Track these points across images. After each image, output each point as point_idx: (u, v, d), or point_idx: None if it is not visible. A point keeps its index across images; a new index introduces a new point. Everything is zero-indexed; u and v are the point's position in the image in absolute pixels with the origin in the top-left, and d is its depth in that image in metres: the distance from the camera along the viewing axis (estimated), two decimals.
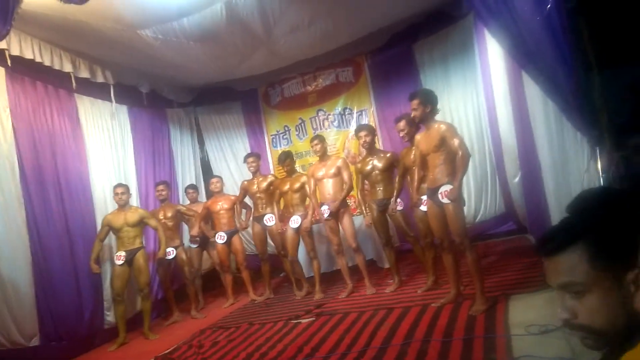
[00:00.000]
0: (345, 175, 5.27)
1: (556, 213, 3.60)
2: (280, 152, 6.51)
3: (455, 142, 3.69)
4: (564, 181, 3.39)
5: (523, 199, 5.19)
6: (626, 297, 0.90)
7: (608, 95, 3.92)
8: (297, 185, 5.63)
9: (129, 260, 5.27)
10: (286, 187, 5.70)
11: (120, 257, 5.23)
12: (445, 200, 3.75)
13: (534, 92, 3.60)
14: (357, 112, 7.34)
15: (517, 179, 5.21)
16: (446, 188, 3.76)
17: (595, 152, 3.14)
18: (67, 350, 4.92)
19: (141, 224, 5.44)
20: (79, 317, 5.15)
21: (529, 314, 3.26)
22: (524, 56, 3.44)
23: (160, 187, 6.11)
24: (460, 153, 3.66)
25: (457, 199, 3.71)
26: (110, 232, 5.38)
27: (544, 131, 3.60)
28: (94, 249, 5.20)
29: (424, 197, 4.44)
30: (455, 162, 3.75)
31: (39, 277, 4.76)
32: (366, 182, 5.24)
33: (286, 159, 5.71)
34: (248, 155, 6.22)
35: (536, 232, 5.09)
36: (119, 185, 5.42)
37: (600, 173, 3.09)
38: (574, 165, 3.28)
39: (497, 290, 3.98)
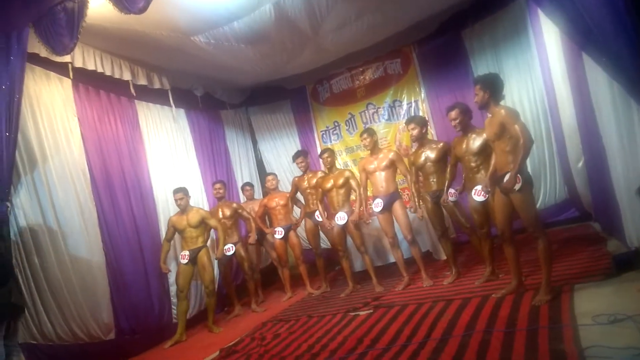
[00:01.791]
0: (401, 168, 5.25)
1: (624, 198, 3.44)
2: (325, 148, 6.53)
3: (517, 128, 3.56)
4: (632, 164, 3.24)
5: (587, 184, 4.98)
6: None
7: None
8: (340, 180, 5.63)
9: (193, 259, 5.49)
10: (329, 184, 5.68)
11: (184, 257, 5.48)
12: (515, 187, 3.62)
13: (595, 73, 3.45)
14: (407, 104, 7.28)
15: (580, 164, 5.00)
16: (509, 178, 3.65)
17: None
18: (140, 343, 5.22)
19: (202, 224, 5.64)
20: (150, 312, 5.45)
21: (596, 304, 3.14)
22: (582, 36, 3.31)
23: (218, 185, 6.31)
24: (522, 140, 3.53)
25: (517, 186, 3.57)
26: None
27: (609, 114, 3.43)
28: (163, 249, 5.50)
29: (479, 187, 4.37)
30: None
31: (113, 276, 5.07)
32: (420, 173, 5.19)
33: (325, 152, 5.82)
34: (296, 156, 6.31)
35: (602, 218, 4.87)
36: (177, 190, 5.59)
37: None
38: None
39: (561, 280, 3.84)
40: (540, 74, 5.99)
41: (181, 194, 5.57)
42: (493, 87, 3.73)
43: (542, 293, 3.56)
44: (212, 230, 5.92)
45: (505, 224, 3.81)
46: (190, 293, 5.75)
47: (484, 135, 4.14)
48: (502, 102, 3.83)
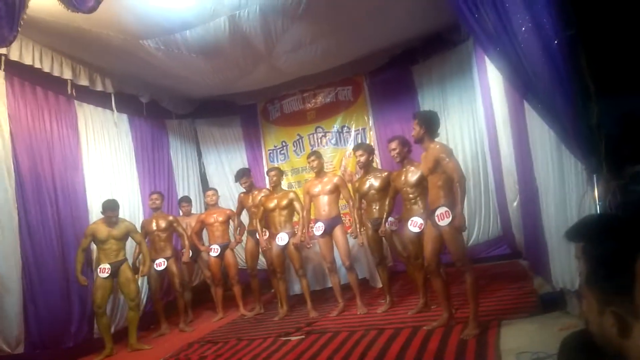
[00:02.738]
0: (345, 193, 5.27)
1: (554, 239, 3.59)
2: (273, 167, 6.46)
3: (449, 165, 3.69)
4: (561, 207, 3.39)
5: (520, 223, 5.19)
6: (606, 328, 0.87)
7: (606, 124, 3.95)
8: (284, 202, 5.56)
9: (114, 272, 5.18)
10: (272, 203, 5.59)
11: (104, 270, 5.10)
12: (441, 223, 3.74)
13: (534, 119, 3.62)
14: (355, 131, 7.38)
15: (515, 204, 5.22)
16: (442, 210, 3.75)
17: (592, 180, 3.15)
18: (52, 358, 4.83)
19: (127, 237, 5.37)
20: (66, 327, 5.07)
21: (520, 341, 3.23)
22: (523, 84, 3.46)
23: (154, 196, 6.06)
24: (455, 177, 3.66)
25: (447, 221, 3.68)
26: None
27: (543, 157, 3.62)
28: (78, 259, 5.06)
29: (415, 218, 4.45)
30: (452, 185, 3.74)
31: (29, 284, 4.70)
32: (363, 200, 5.23)
33: (272, 170, 5.73)
34: (239, 175, 6.09)
35: (530, 257, 5.07)
36: (110, 208, 5.17)
37: (597, 200, 3.09)
38: (572, 192, 3.28)
39: (489, 315, 3.95)
40: (483, 114, 6.26)
41: (113, 212, 5.18)
42: (428, 123, 3.87)
43: (470, 327, 3.64)
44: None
45: (432, 256, 3.90)
46: (116, 306, 5.43)
47: (421, 170, 4.24)
48: (442, 139, 3.95)
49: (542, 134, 3.55)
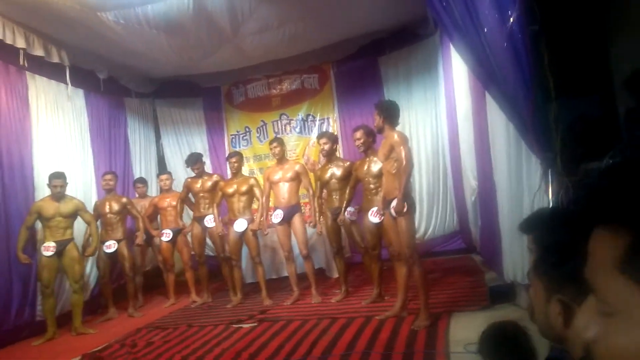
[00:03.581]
0: (305, 181, 5.21)
1: (507, 234, 3.63)
2: (234, 152, 6.29)
3: (400, 151, 3.69)
4: (517, 202, 3.44)
5: (476, 218, 5.25)
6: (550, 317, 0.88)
7: (563, 122, 4.02)
8: (244, 187, 5.44)
9: (60, 252, 4.97)
10: (232, 189, 5.47)
11: (49, 248, 4.89)
12: (394, 214, 3.73)
13: (495, 114, 3.64)
14: (319, 120, 7.32)
15: (473, 198, 5.27)
16: (395, 202, 3.74)
17: (547, 175, 3.19)
18: None
19: (75, 216, 5.15)
20: (6, 308, 4.82)
21: (469, 332, 3.24)
22: (487, 77, 3.48)
23: (108, 176, 5.81)
24: (403, 163, 3.66)
25: (402, 212, 3.68)
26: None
27: (502, 154, 3.65)
28: (20, 237, 4.82)
29: (375, 209, 4.43)
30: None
31: None
32: (324, 189, 5.18)
33: (234, 156, 5.58)
34: (193, 162, 5.83)
35: (484, 251, 5.14)
36: (57, 176, 4.99)
37: (551, 196, 3.14)
38: (528, 187, 3.32)
39: (441, 307, 3.99)
40: (445, 110, 6.30)
41: (61, 180, 4.99)
42: (387, 112, 3.88)
43: (420, 318, 3.66)
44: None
45: (399, 244, 3.87)
46: (61, 288, 5.22)
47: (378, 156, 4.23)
48: (404, 132, 3.96)
49: (501, 129, 3.59)
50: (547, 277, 0.90)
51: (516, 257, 3.44)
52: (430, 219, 6.50)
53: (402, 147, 3.69)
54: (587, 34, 4.69)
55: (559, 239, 0.89)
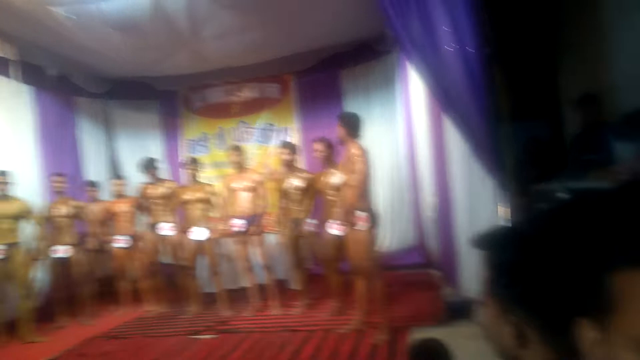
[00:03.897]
0: (261, 191, 5.20)
1: (464, 249, 3.78)
2: (191, 157, 6.16)
3: (356, 162, 3.77)
4: (473, 219, 3.59)
5: (434, 233, 5.41)
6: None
7: (515, 143, 4.25)
8: (201, 195, 5.39)
9: (7, 256, 4.73)
10: (189, 196, 5.41)
11: None
12: (360, 227, 3.81)
13: (452, 131, 3.79)
14: (279, 129, 7.32)
15: (431, 213, 5.42)
16: (360, 215, 3.81)
17: (501, 194, 3.37)
18: None
19: (20, 217, 4.94)
20: None
21: None
22: (443, 96, 3.64)
23: (58, 178, 5.57)
24: (357, 175, 3.74)
25: (352, 222, 3.75)
26: None
27: (458, 169, 3.79)
28: None
29: (334, 221, 4.50)
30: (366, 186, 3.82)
31: None
32: (284, 200, 5.19)
33: (191, 163, 5.50)
34: (147, 167, 5.73)
35: (443, 267, 5.28)
36: (0, 174, 4.83)
37: (504, 214, 3.32)
38: (483, 204, 3.48)
39: (400, 321, 4.07)
40: (403, 126, 6.47)
41: (4, 177, 4.79)
42: (350, 124, 3.98)
43: (381, 332, 3.74)
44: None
45: (359, 258, 3.94)
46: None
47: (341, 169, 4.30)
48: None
49: (458, 147, 3.73)
50: (498, 297, 0.90)
51: (473, 273, 3.59)
52: (387, 232, 6.63)
53: (358, 159, 3.77)
54: (537, 59, 4.98)
55: (511, 259, 0.90)
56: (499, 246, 1.00)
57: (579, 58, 4.59)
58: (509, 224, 3.29)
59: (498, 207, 3.52)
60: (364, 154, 3.87)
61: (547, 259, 0.80)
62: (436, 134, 4.52)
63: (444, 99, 3.63)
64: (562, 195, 3.33)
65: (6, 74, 5.67)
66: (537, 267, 0.82)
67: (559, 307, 0.74)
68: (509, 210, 3.50)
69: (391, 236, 6.67)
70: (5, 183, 4.82)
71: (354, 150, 3.84)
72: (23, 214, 4.96)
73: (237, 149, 5.40)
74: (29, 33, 5.48)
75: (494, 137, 3.52)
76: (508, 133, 4.28)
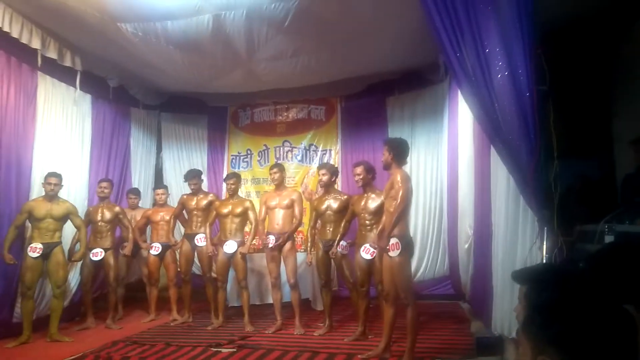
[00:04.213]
0: (297, 210, 5.19)
1: (499, 284, 3.61)
2: (233, 173, 6.23)
3: (399, 188, 3.70)
4: (511, 255, 3.44)
5: (468, 266, 5.23)
6: None
7: (562, 181, 4.07)
8: (239, 209, 5.42)
9: (46, 254, 4.91)
10: (227, 209, 5.45)
11: (35, 249, 4.85)
12: (391, 254, 3.72)
13: (498, 164, 3.68)
14: (322, 151, 7.38)
15: (466, 246, 5.26)
16: (393, 241, 3.73)
17: (543, 232, 3.20)
18: None
19: (65, 219, 5.13)
20: None
21: None
22: (492, 129, 3.53)
23: (104, 184, 5.79)
24: (398, 201, 3.66)
25: (396, 252, 3.66)
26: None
27: (501, 205, 3.66)
28: (8, 236, 4.79)
29: (367, 245, 4.43)
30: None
31: None
32: (319, 220, 5.17)
33: (232, 177, 5.56)
34: (190, 176, 5.83)
35: (474, 300, 5.08)
36: (53, 175, 5.05)
37: (544, 253, 3.15)
38: (523, 241, 3.34)
39: (424, 352, 3.92)
40: (447, 156, 6.37)
41: (57, 179, 5.02)
42: (397, 150, 3.90)
43: None
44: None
45: (391, 285, 3.84)
46: (42, 292, 5.16)
47: (382, 197, 4.23)
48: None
49: (503, 180, 3.61)
50: (533, 337, 0.90)
51: (506, 310, 3.41)
52: (421, 261, 6.48)
53: (400, 186, 3.71)
54: (592, 99, 4.82)
55: (547, 300, 0.91)
56: (538, 283, 0.98)
57: (633, 99, 4.41)
58: (551, 263, 3.13)
59: (538, 245, 3.36)
60: (408, 181, 3.80)
61: (588, 302, 0.79)
62: (481, 166, 4.40)
63: (493, 132, 3.54)
64: (609, 237, 3.15)
65: (70, 83, 6.01)
66: (577, 310, 0.80)
67: (595, 353, 0.72)
68: (550, 248, 3.33)
69: (424, 265, 6.54)
70: (57, 185, 5.04)
71: (397, 177, 3.78)
72: (68, 216, 5.15)
73: (278, 166, 5.45)
74: (96, 46, 5.83)
75: (541, 174, 3.38)
76: (556, 170, 4.12)
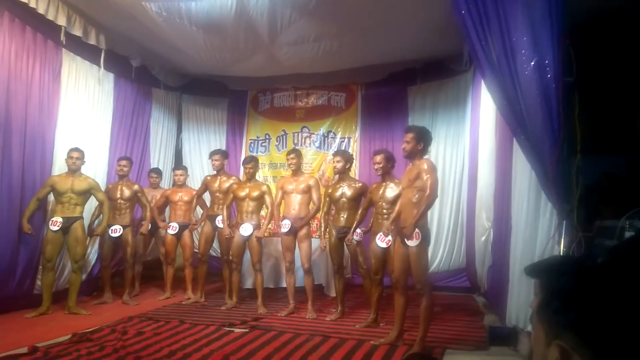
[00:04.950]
0: (315, 196, 5.20)
1: (516, 277, 3.58)
2: (251, 156, 6.26)
3: (427, 179, 3.67)
4: (529, 248, 3.41)
5: (484, 259, 5.18)
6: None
7: (585, 176, 4.00)
8: (255, 193, 5.44)
9: (66, 228, 5.02)
10: (244, 192, 5.47)
11: (56, 223, 4.97)
12: (410, 243, 3.70)
13: (520, 157, 3.63)
14: (340, 138, 7.35)
15: (483, 238, 5.21)
16: (414, 231, 3.70)
17: (562, 226, 3.16)
18: None
19: (87, 193, 5.23)
20: (10, 276, 4.85)
21: None
22: (515, 120, 3.48)
23: (123, 162, 5.86)
24: (427, 191, 3.64)
25: (415, 242, 3.65)
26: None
27: (522, 198, 3.61)
28: (29, 207, 4.93)
29: (382, 233, 4.42)
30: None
31: None
32: (333, 207, 5.17)
33: (250, 161, 5.56)
34: (214, 152, 5.97)
35: (490, 294, 5.04)
36: (75, 149, 5.17)
37: (562, 247, 3.11)
38: (541, 234, 3.30)
39: (435, 342, 3.93)
40: (467, 147, 6.29)
41: (79, 154, 5.13)
42: (425, 139, 3.86)
43: (415, 349, 3.60)
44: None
45: (401, 273, 3.85)
46: (61, 265, 5.28)
47: (401, 187, 4.20)
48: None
49: (524, 174, 3.57)
50: (548, 322, 0.87)
51: (522, 302, 3.39)
52: (436, 253, 6.45)
53: (429, 176, 3.68)
54: (620, 94, 4.69)
55: (565, 286, 0.88)
56: (556, 272, 0.96)
57: None
58: (568, 255, 3.09)
59: (557, 238, 3.31)
60: (435, 171, 3.78)
61: (607, 289, 0.76)
62: (503, 158, 4.35)
63: (516, 124, 3.48)
64: (629, 233, 3.09)
65: (94, 61, 6.08)
66: (596, 295, 0.77)
67: (613, 340, 0.71)
68: (568, 243, 3.28)
69: (439, 257, 6.50)
70: (79, 159, 5.14)
71: (425, 166, 3.74)
72: (90, 191, 5.26)
73: (295, 152, 5.45)
74: (120, 25, 5.87)
75: (564, 168, 3.32)
76: (579, 165, 4.05)
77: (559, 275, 0.98)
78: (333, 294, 5.64)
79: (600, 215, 3.61)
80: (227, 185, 5.80)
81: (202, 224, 6.01)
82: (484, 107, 5.20)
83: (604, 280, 0.83)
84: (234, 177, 6.02)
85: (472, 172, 5.94)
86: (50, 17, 5.17)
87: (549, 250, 3.18)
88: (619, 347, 0.72)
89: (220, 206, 5.75)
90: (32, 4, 4.90)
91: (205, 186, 5.98)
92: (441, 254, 6.50)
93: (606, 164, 4.63)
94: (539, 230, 3.37)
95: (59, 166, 5.40)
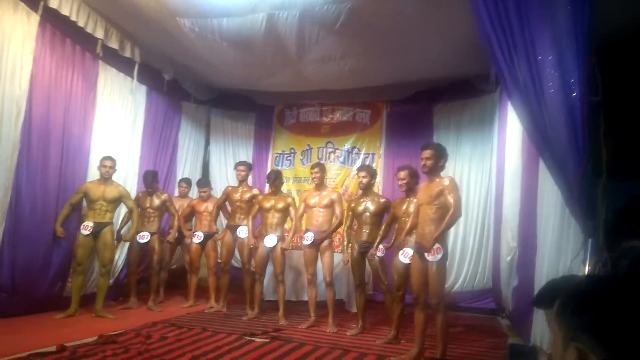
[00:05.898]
0: (337, 210, 5.25)
1: None
2: (275, 170, 6.33)
3: (451, 197, 3.70)
4: (554, 267, 3.38)
5: (509, 279, 5.11)
6: None
7: (609, 197, 3.96)
8: (281, 205, 5.52)
9: (96, 233, 5.20)
10: (269, 204, 5.55)
11: (87, 227, 5.17)
12: (430, 259, 3.72)
13: (545, 177, 3.63)
14: (364, 154, 7.41)
15: (509, 259, 5.15)
16: (435, 246, 3.73)
17: (587, 245, 3.14)
18: (16, 305, 4.74)
19: (117, 201, 5.41)
20: (43, 278, 5.03)
21: None
22: (541, 140, 3.49)
23: (108, 162, 5.90)
24: (452, 210, 3.66)
25: (437, 257, 3.67)
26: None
27: (548, 217, 3.60)
28: (63, 211, 5.15)
29: (408, 250, 4.42)
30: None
31: (12, 224, 4.64)
32: (355, 221, 5.21)
33: (275, 179, 5.60)
34: (240, 163, 6.08)
35: (515, 315, 4.96)
36: (108, 158, 5.38)
37: (587, 266, 3.08)
38: (566, 254, 3.28)
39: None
40: (494, 168, 6.27)
41: (111, 162, 5.35)
42: (445, 156, 3.94)
43: None
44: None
45: (421, 289, 3.86)
46: (91, 269, 5.47)
47: (416, 202, 4.22)
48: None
49: (550, 194, 3.56)
50: (566, 324, 0.89)
51: (546, 326, 3.35)
52: (459, 273, 6.38)
53: (453, 194, 3.72)
54: None
55: (583, 287, 0.91)
56: (575, 282, 0.99)
57: None
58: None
59: (582, 257, 3.28)
60: (458, 189, 3.82)
61: (627, 292, 0.79)
62: (528, 178, 4.34)
63: (542, 143, 3.49)
64: None
65: (128, 73, 6.31)
66: (615, 298, 0.80)
67: (629, 341, 0.73)
68: (593, 263, 3.25)
69: (463, 277, 6.43)
70: (112, 167, 5.34)
71: (446, 184, 3.77)
72: (120, 199, 5.44)
73: (319, 166, 5.52)
74: (154, 39, 6.09)
75: (589, 188, 3.31)
76: (604, 185, 4.01)
77: (579, 282, 1.01)
78: (354, 309, 5.64)
79: (627, 237, 3.56)
80: (248, 195, 5.89)
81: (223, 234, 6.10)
82: (511, 126, 5.20)
83: (620, 283, 0.85)
84: (255, 189, 6.11)
85: (499, 191, 5.90)
86: (89, 30, 5.41)
87: (575, 270, 3.15)
88: (635, 348, 0.74)
89: (242, 217, 5.84)
90: (73, 17, 5.14)
91: (226, 196, 6.07)
92: (464, 274, 6.43)
93: (633, 188, 4.56)
94: (564, 250, 3.35)
95: (93, 173, 5.60)
